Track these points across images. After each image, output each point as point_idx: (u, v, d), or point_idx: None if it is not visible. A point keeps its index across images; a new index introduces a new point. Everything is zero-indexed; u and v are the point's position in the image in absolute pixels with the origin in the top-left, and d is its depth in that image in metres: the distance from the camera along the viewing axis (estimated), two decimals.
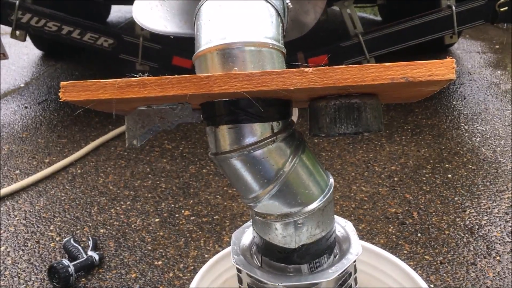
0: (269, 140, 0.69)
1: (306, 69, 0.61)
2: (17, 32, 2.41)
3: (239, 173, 0.71)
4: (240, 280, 0.82)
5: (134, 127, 0.73)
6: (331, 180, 0.77)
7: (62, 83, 0.65)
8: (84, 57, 3.27)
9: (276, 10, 0.74)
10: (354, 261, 0.79)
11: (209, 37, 0.70)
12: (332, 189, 0.76)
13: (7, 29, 2.51)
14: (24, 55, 3.55)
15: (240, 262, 0.79)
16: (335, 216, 0.84)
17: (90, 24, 2.40)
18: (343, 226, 0.84)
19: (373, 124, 0.68)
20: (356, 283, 0.82)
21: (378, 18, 4.56)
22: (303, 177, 0.72)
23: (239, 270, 0.80)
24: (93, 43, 2.39)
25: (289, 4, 0.90)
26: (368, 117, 0.67)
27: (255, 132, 0.69)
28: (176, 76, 0.63)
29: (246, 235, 0.85)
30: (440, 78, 0.60)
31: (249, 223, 0.86)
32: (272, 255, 0.77)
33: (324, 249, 0.77)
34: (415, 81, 0.60)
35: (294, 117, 0.93)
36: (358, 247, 0.79)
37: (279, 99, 0.70)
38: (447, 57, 0.60)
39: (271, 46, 0.70)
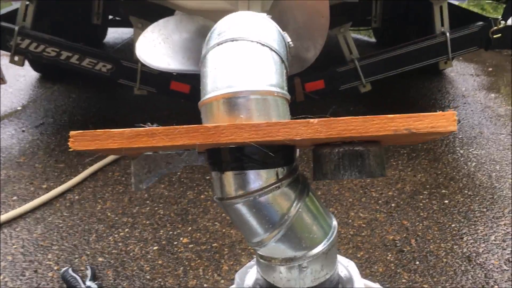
0: (274, 186, 0.70)
1: (311, 120, 0.63)
2: (16, 57, 2.42)
3: (244, 218, 0.72)
4: None
5: (141, 172, 0.74)
6: (335, 222, 0.78)
7: (72, 133, 0.66)
8: (81, 79, 3.28)
9: (280, 57, 0.76)
10: None
11: (215, 85, 0.72)
12: (335, 232, 0.77)
13: (5, 53, 2.52)
14: (21, 77, 3.56)
15: None
16: (338, 256, 0.85)
17: (89, 49, 2.42)
18: (345, 266, 0.85)
19: (376, 170, 0.69)
20: None
21: (373, 40, 4.62)
22: (308, 222, 0.73)
23: None
24: (92, 68, 2.40)
25: (291, 43, 0.92)
26: (371, 164, 0.68)
27: (260, 178, 0.70)
28: (184, 126, 0.64)
29: (249, 275, 0.86)
30: (442, 130, 0.61)
31: (253, 262, 0.87)
32: None
33: None
34: (417, 132, 0.62)
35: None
36: None
37: (283, 145, 0.71)
38: (449, 109, 0.62)
39: (276, 94, 0.71)
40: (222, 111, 0.70)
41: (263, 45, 0.74)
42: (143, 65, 2.42)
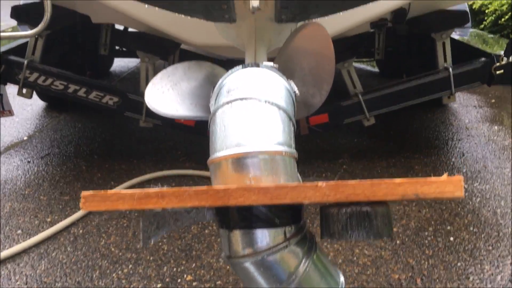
0: (282, 245, 0.71)
1: (320, 184, 0.64)
2: (24, 90, 2.45)
3: (252, 276, 0.72)
4: None
5: (149, 229, 0.74)
6: (342, 279, 0.78)
7: (83, 194, 0.67)
8: (87, 109, 3.31)
9: (288, 115, 0.77)
10: None
11: (224, 144, 0.73)
12: None
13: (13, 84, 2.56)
14: (28, 106, 3.59)
15: None
16: None
17: (96, 83, 2.45)
18: None
19: (384, 231, 0.70)
20: None
21: (376, 69, 4.67)
22: (315, 280, 0.74)
23: None
24: (99, 101, 2.43)
25: (297, 92, 0.94)
26: (378, 224, 0.69)
27: (268, 237, 0.71)
28: (193, 188, 0.65)
29: None
30: (449, 196, 0.62)
31: None
32: None
33: None
34: (424, 197, 0.62)
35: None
36: None
37: (291, 205, 0.72)
38: (455, 174, 0.63)
39: (284, 154, 0.72)
40: (230, 170, 0.71)
41: (271, 104, 0.75)
42: None
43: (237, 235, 0.71)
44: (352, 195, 0.63)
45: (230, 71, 0.87)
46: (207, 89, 1.01)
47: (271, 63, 0.98)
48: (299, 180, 0.79)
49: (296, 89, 0.95)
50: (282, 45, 1.30)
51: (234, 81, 0.80)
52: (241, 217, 0.70)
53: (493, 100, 3.85)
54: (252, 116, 0.73)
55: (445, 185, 0.62)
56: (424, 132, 3.23)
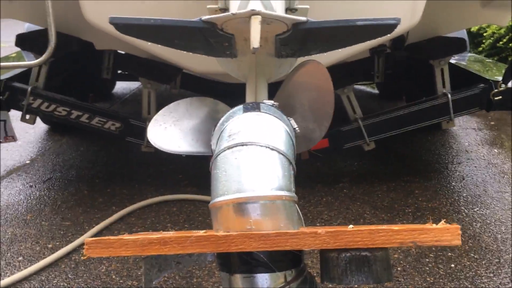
0: None
1: (319, 231, 0.65)
2: (27, 116, 2.48)
3: None
4: None
5: (152, 271, 0.75)
6: None
7: (86, 240, 0.68)
8: (90, 133, 3.33)
9: (288, 159, 0.79)
10: None
11: (225, 188, 0.74)
12: None
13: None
14: (31, 129, 3.62)
15: None
16: None
17: (98, 109, 2.48)
18: None
19: (383, 275, 0.71)
20: None
21: (376, 91, 4.71)
22: None
23: None
24: (101, 126, 2.46)
25: (297, 129, 0.96)
26: (378, 269, 0.70)
27: (269, 281, 0.72)
28: (194, 234, 0.67)
29: None
30: (447, 244, 0.63)
31: None
32: None
33: None
34: (422, 245, 0.64)
35: None
36: None
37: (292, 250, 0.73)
38: (452, 224, 0.64)
39: (284, 198, 0.74)
40: (232, 215, 0.73)
41: (271, 149, 0.77)
42: None
43: (237, 279, 0.72)
44: (351, 242, 0.64)
45: (231, 113, 0.89)
46: (209, 125, 1.03)
47: (272, 102, 1.00)
48: (300, 220, 0.80)
49: (296, 126, 0.97)
50: (282, 78, 1.33)
51: (235, 125, 0.82)
52: (241, 262, 0.71)
53: (492, 123, 3.88)
54: (253, 161, 0.75)
55: (442, 234, 0.63)
56: (424, 155, 3.24)
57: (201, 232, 0.67)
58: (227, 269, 0.74)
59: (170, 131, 1.12)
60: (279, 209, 0.73)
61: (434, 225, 0.64)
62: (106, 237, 0.68)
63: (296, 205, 0.78)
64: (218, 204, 0.74)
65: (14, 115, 2.67)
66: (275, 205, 0.73)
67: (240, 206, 0.72)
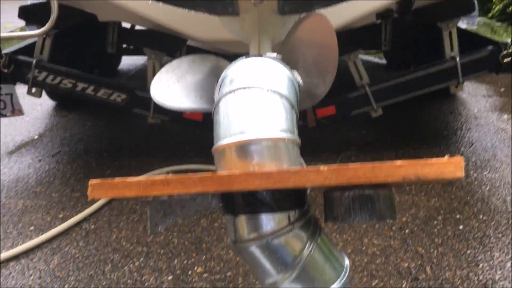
0: (286, 229, 0.72)
1: (321, 168, 0.65)
2: (33, 89, 2.48)
3: (257, 260, 0.74)
4: None
5: (156, 216, 0.76)
6: (347, 262, 0.79)
7: (91, 182, 0.68)
8: (97, 108, 3.34)
9: (290, 102, 0.78)
10: None
11: (227, 132, 0.74)
12: (348, 272, 0.78)
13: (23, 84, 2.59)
14: (38, 106, 3.64)
15: None
16: None
17: (103, 80, 2.48)
18: None
19: (386, 213, 0.71)
20: None
21: (383, 61, 4.65)
22: (320, 263, 0.75)
23: None
24: (107, 98, 2.46)
25: (301, 82, 0.95)
26: (381, 207, 0.70)
27: (272, 221, 0.72)
28: (198, 174, 0.67)
29: None
30: (450, 176, 0.63)
31: None
32: None
33: None
34: (425, 179, 0.63)
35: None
36: None
37: (295, 189, 0.73)
38: (455, 155, 0.64)
39: (286, 140, 0.73)
40: (234, 158, 0.73)
41: (273, 92, 0.76)
42: None
43: (242, 220, 0.73)
44: (353, 178, 0.64)
45: (233, 62, 0.88)
46: (212, 82, 1.02)
47: (275, 54, 0.99)
48: (302, 165, 0.80)
49: (299, 79, 0.96)
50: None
51: (237, 71, 0.81)
52: (245, 203, 0.71)
53: (502, 89, 3.83)
54: (255, 104, 0.75)
55: (445, 166, 0.63)
56: (432, 123, 3.22)
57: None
58: (231, 211, 0.74)
59: (173, 88, 1.11)
60: (282, 151, 0.73)
61: (437, 159, 0.63)
62: (110, 179, 0.69)
63: (299, 150, 0.77)
64: (221, 148, 0.74)
65: (21, 92, 2.68)
66: (277, 147, 0.73)
67: (243, 149, 0.72)
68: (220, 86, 0.82)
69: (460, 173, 0.62)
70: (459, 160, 0.62)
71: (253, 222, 0.72)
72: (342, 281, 0.76)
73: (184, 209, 0.75)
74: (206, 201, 0.74)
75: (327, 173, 0.64)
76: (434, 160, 0.63)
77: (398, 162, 0.64)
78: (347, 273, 0.78)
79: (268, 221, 0.72)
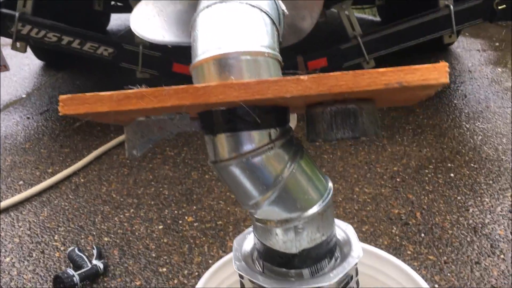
0: (267, 147, 0.70)
1: (302, 77, 0.62)
2: (18, 44, 2.42)
3: (238, 180, 0.72)
4: (242, 286, 0.82)
5: (134, 138, 0.73)
6: (330, 184, 0.78)
7: (61, 97, 0.66)
8: (85, 67, 3.29)
9: (271, 18, 0.75)
10: (355, 264, 0.79)
11: (205, 47, 0.71)
12: (331, 193, 0.76)
13: (8, 40, 2.53)
14: (25, 65, 3.57)
15: (242, 268, 0.79)
16: (336, 220, 0.85)
17: (89, 33, 2.41)
18: (344, 229, 0.85)
19: (370, 128, 0.68)
20: (358, 286, 0.83)
21: (377, 19, 4.57)
22: (302, 183, 0.73)
23: (241, 276, 0.81)
24: (93, 52, 2.40)
25: (285, 11, 0.91)
26: (364, 122, 0.68)
27: (253, 139, 0.70)
28: (173, 87, 0.64)
29: (248, 241, 0.86)
30: (434, 82, 0.60)
31: (251, 229, 0.87)
32: (274, 261, 0.78)
33: (325, 253, 0.77)
34: (409, 85, 0.61)
35: (293, 123, 0.94)
36: (359, 250, 0.79)
37: (276, 107, 0.71)
38: (439, 61, 0.61)
39: (266, 55, 0.70)
40: (212, 73, 0.70)
41: (253, 6, 0.73)
42: (144, 48, 2.42)
43: (221, 139, 0.70)
44: (334, 86, 0.61)
45: None
46: (193, 14, 0.97)
47: None
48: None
49: (284, 8, 0.92)
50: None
51: None
52: (225, 120, 0.69)
53: (497, 44, 3.78)
54: (233, 18, 0.71)
55: (429, 72, 0.60)
56: None
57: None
58: (211, 130, 0.71)
59: (153, 21, 1.07)
60: (262, 66, 0.70)
61: (421, 65, 0.61)
62: (81, 94, 0.66)
63: (280, 69, 0.74)
64: (198, 64, 0.71)
65: (8, 54, 2.62)
66: (257, 61, 0.70)
67: (221, 63, 0.69)
68: (198, 5, 0.78)
69: (445, 79, 0.59)
70: (443, 66, 0.60)
71: (233, 140, 0.70)
72: (326, 201, 0.75)
73: (163, 131, 0.73)
74: (184, 121, 0.71)
75: (308, 82, 0.62)
76: (418, 66, 0.61)
77: (381, 70, 0.61)
78: (330, 195, 0.76)
79: (248, 139, 0.69)
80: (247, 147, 0.70)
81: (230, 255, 0.86)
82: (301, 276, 0.77)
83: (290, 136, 0.73)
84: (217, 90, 0.63)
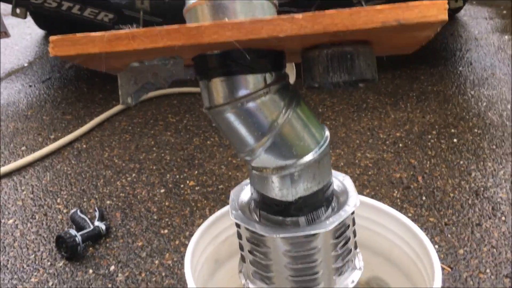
0: (262, 91, 0.69)
1: (296, 16, 0.60)
2: (18, 10, 2.40)
3: (233, 126, 0.71)
4: (239, 235, 0.82)
5: (127, 84, 0.72)
6: (327, 132, 0.77)
7: (51, 38, 0.64)
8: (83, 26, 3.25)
9: None
10: (352, 213, 0.79)
11: None
12: (328, 141, 0.76)
13: (8, 10, 2.51)
14: (27, 35, 3.55)
15: (239, 217, 0.79)
16: (334, 171, 0.84)
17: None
18: (341, 180, 0.84)
19: (367, 72, 0.67)
20: (355, 236, 0.83)
21: None
22: (298, 129, 0.72)
23: (238, 225, 0.81)
24: (94, 18, 2.38)
25: None
26: (361, 65, 0.66)
27: (248, 83, 0.69)
28: (165, 27, 0.63)
29: (245, 192, 0.86)
30: (433, 19, 0.58)
31: (248, 180, 0.86)
32: (270, 209, 0.77)
33: (321, 201, 0.77)
34: (407, 23, 0.59)
35: (292, 78, 0.93)
36: (355, 200, 0.79)
37: (271, 51, 0.69)
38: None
39: None
40: (206, 15, 0.68)
41: None
42: (145, 13, 2.39)
43: (216, 84, 0.69)
44: (330, 25, 0.60)
45: None
46: None
47: None
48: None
49: None
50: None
51: None
52: (219, 63, 0.68)
53: (504, 12, 3.71)
54: None
55: (428, 9, 0.58)
56: (431, 45, 3.13)
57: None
58: (205, 75, 0.70)
59: None
60: (256, 8, 0.68)
61: (419, 2, 0.59)
62: (72, 35, 0.64)
63: (276, 13, 0.73)
64: (191, 6, 0.69)
65: (10, 24, 2.60)
66: (252, 4, 0.68)
67: (214, 4, 0.67)
68: None
69: (444, 16, 0.58)
70: (442, 2, 0.58)
71: (228, 85, 0.69)
72: (322, 148, 0.74)
73: (157, 77, 0.72)
74: (178, 67, 0.70)
75: (302, 21, 0.60)
76: (416, 2, 0.59)
77: (378, 7, 0.59)
78: (327, 142, 0.75)
79: (243, 84, 0.68)
80: (242, 91, 0.69)
81: (229, 206, 0.86)
82: (297, 224, 0.76)
83: (285, 82, 0.72)
84: (210, 30, 0.61)
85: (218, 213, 0.96)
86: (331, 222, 0.75)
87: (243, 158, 0.75)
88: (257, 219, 0.80)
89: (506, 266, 1.37)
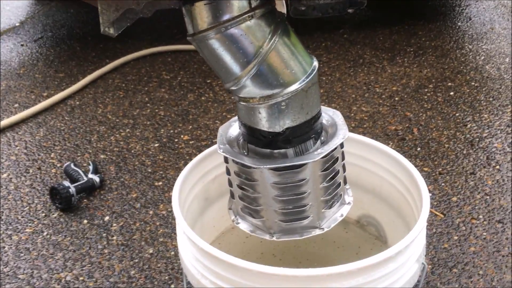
0: (246, 15, 0.67)
1: None
2: None
3: (218, 53, 0.69)
4: (228, 171, 0.82)
5: (108, 11, 0.70)
6: (316, 62, 0.75)
7: None
8: None
9: None
10: (342, 146, 0.78)
11: None
12: (316, 70, 0.74)
13: None
14: None
15: (227, 151, 0.78)
16: (324, 107, 0.83)
17: None
18: (331, 115, 0.83)
19: None
20: (344, 170, 0.82)
21: None
22: (284, 56, 0.70)
23: (226, 160, 0.80)
24: None
25: None
26: None
27: (232, 7, 0.66)
28: None
29: (233, 128, 0.84)
30: None
31: (236, 117, 0.85)
32: (258, 142, 0.76)
33: (309, 133, 0.76)
34: None
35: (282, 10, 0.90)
36: (345, 132, 0.78)
37: None
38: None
39: None
40: None
41: None
42: None
43: (200, 8, 0.67)
44: None
45: None
46: None
47: None
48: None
49: None
50: None
51: None
52: None
53: None
54: None
55: None
56: (430, 1, 3.07)
57: None
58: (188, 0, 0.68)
59: None
60: None
61: None
62: None
63: None
64: None
65: None
66: None
67: None
68: None
69: None
70: None
71: (212, 8, 0.67)
72: (310, 77, 0.72)
73: (138, 2, 0.69)
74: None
75: None
76: None
77: None
78: (315, 72, 0.73)
79: (228, 7, 0.66)
80: (226, 16, 0.67)
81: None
82: (285, 156, 0.76)
83: (271, 6, 0.70)
84: None
85: (206, 151, 0.95)
86: (320, 153, 0.74)
87: (229, 88, 0.73)
88: (245, 153, 0.79)
89: (499, 212, 1.38)
